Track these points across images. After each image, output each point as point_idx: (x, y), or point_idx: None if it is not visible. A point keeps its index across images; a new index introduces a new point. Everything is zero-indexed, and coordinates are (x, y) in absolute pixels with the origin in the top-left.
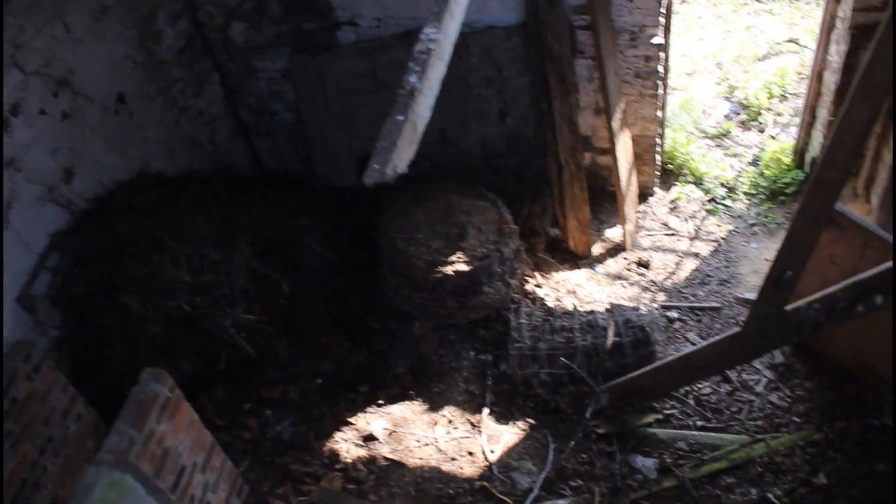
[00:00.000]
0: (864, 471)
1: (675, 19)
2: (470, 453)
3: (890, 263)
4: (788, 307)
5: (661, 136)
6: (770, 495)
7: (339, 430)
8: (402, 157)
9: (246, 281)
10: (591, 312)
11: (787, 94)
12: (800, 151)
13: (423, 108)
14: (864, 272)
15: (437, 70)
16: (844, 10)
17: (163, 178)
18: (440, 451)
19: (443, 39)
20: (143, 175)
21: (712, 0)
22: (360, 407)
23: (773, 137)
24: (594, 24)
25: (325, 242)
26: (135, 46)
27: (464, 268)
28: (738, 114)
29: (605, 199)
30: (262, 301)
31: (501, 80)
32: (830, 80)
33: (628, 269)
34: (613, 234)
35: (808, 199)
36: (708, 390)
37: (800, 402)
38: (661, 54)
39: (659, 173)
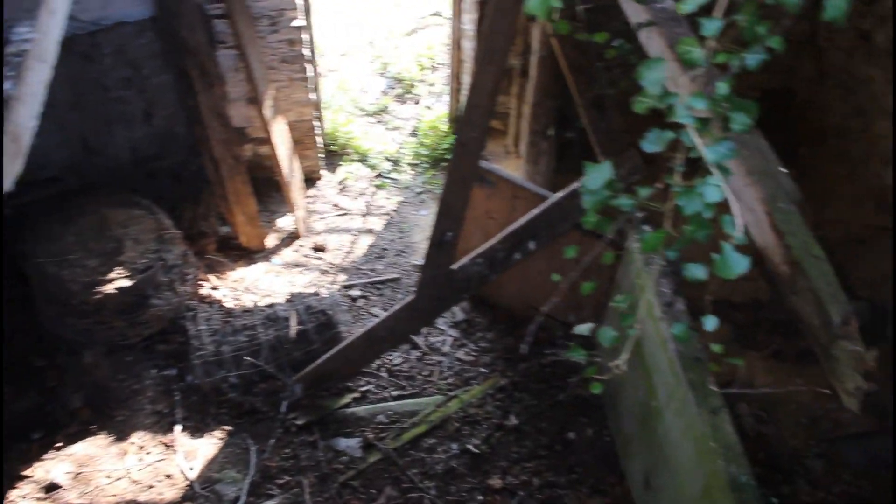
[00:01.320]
0: (547, 403)
1: (317, 1)
2: (168, 476)
3: (536, 210)
4: (454, 266)
5: (320, 118)
6: (469, 446)
7: (13, 488)
8: (5, 174)
9: None
10: (271, 305)
11: (436, 65)
12: (453, 118)
13: (25, 118)
14: (516, 222)
15: (39, 74)
16: None
17: None
18: (135, 481)
19: (42, 39)
20: None
21: None
22: (36, 455)
23: (428, 107)
24: (230, 12)
25: None
26: None
27: (126, 283)
28: (394, 88)
29: (272, 189)
30: None
31: (141, 78)
32: (468, 47)
33: (305, 256)
34: (286, 222)
35: (453, 161)
36: (399, 360)
37: (484, 354)
38: (305, 37)
39: (323, 156)
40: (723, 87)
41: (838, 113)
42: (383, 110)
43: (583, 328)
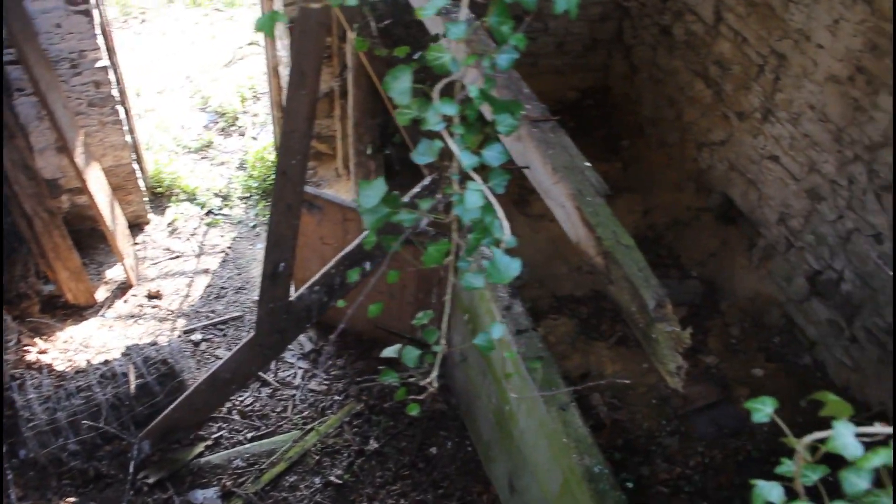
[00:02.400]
0: (405, 422)
1: (127, 39)
2: None
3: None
4: (292, 297)
5: (140, 160)
6: (332, 477)
7: None
8: None
9: None
10: (107, 362)
11: (258, 95)
12: (278, 147)
13: None
14: (350, 244)
15: None
16: (279, 7)
17: None
18: None
19: None
20: None
21: (172, 15)
22: None
23: (254, 139)
24: (24, 58)
25: None
26: None
27: None
28: (217, 122)
29: (98, 240)
30: None
31: None
32: (286, 74)
33: (140, 306)
34: (115, 273)
35: (277, 191)
36: (250, 399)
37: (337, 381)
38: (112, 77)
39: (149, 199)
40: (474, 90)
41: (651, 104)
42: (208, 145)
43: (389, 351)
